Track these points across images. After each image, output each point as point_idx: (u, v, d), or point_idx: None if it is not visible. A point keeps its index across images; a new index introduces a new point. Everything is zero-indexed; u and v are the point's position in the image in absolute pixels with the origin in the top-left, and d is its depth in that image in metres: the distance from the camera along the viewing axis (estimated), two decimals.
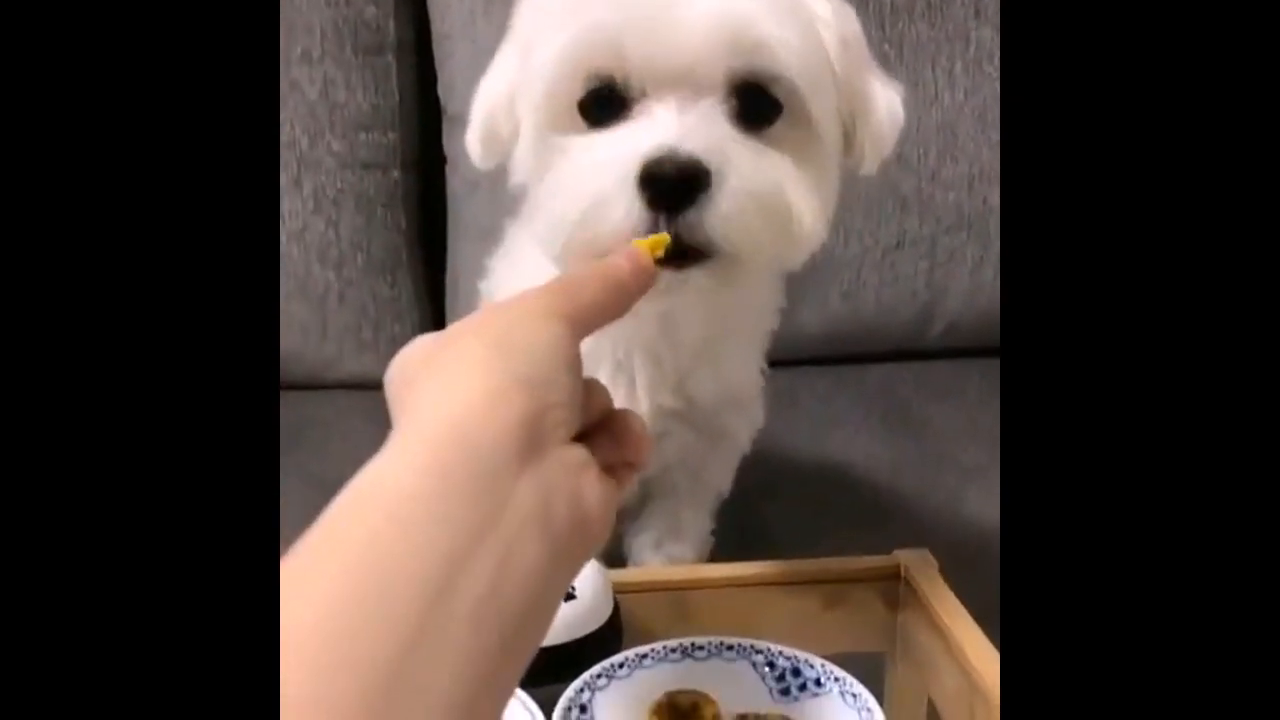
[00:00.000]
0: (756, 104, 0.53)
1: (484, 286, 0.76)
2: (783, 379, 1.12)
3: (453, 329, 0.37)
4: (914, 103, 1.16)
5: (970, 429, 1.04)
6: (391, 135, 1.17)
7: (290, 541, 0.34)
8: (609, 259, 0.43)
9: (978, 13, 1.17)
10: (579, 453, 0.36)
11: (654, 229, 0.49)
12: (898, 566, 0.65)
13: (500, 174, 1.14)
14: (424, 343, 0.37)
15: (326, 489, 0.91)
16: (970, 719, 0.55)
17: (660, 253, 0.47)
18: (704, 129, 0.50)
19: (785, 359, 1.16)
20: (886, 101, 0.58)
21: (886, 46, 1.15)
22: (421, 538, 0.31)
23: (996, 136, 1.14)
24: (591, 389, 0.39)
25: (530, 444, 0.34)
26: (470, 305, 1.16)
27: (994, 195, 1.16)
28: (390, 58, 1.17)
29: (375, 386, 1.18)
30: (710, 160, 0.49)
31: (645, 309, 0.60)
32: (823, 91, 0.54)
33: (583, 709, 0.51)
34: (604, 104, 0.53)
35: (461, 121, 1.17)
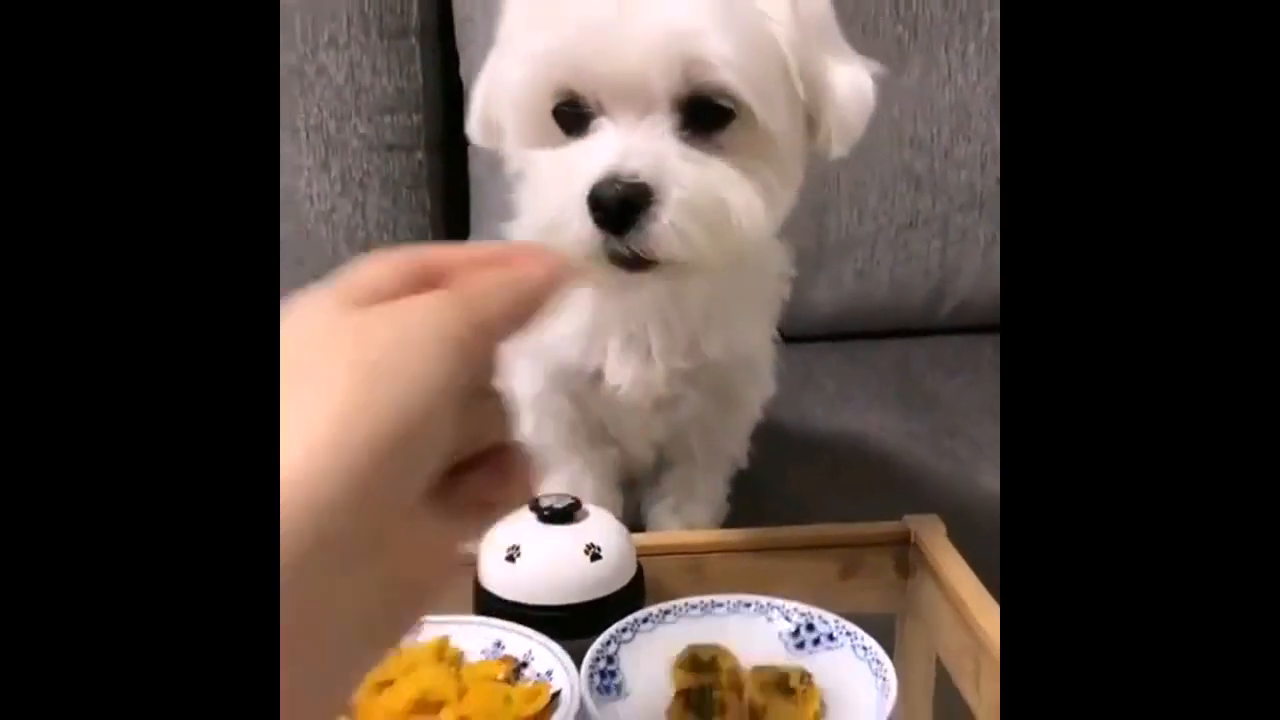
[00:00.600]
0: (706, 111, 0.55)
1: None
2: (798, 355, 1.15)
3: (349, 321, 0.32)
4: (927, 83, 1.19)
5: (982, 404, 1.06)
6: (416, 118, 1.20)
7: None
8: (522, 266, 0.39)
9: None
10: (427, 531, 0.33)
11: (605, 244, 0.54)
12: (908, 532, 0.67)
13: None
14: (322, 316, 0.32)
15: None
16: (976, 675, 0.58)
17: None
18: (648, 147, 0.54)
19: (800, 336, 1.19)
20: (850, 82, 0.59)
21: (900, 28, 1.17)
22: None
23: None
24: (488, 417, 0.36)
25: (367, 531, 0.30)
26: None
27: None
28: (414, 42, 1.20)
29: None
30: (651, 179, 0.53)
31: (610, 306, 0.65)
32: (770, 96, 0.56)
33: (609, 659, 0.54)
34: (571, 115, 0.57)
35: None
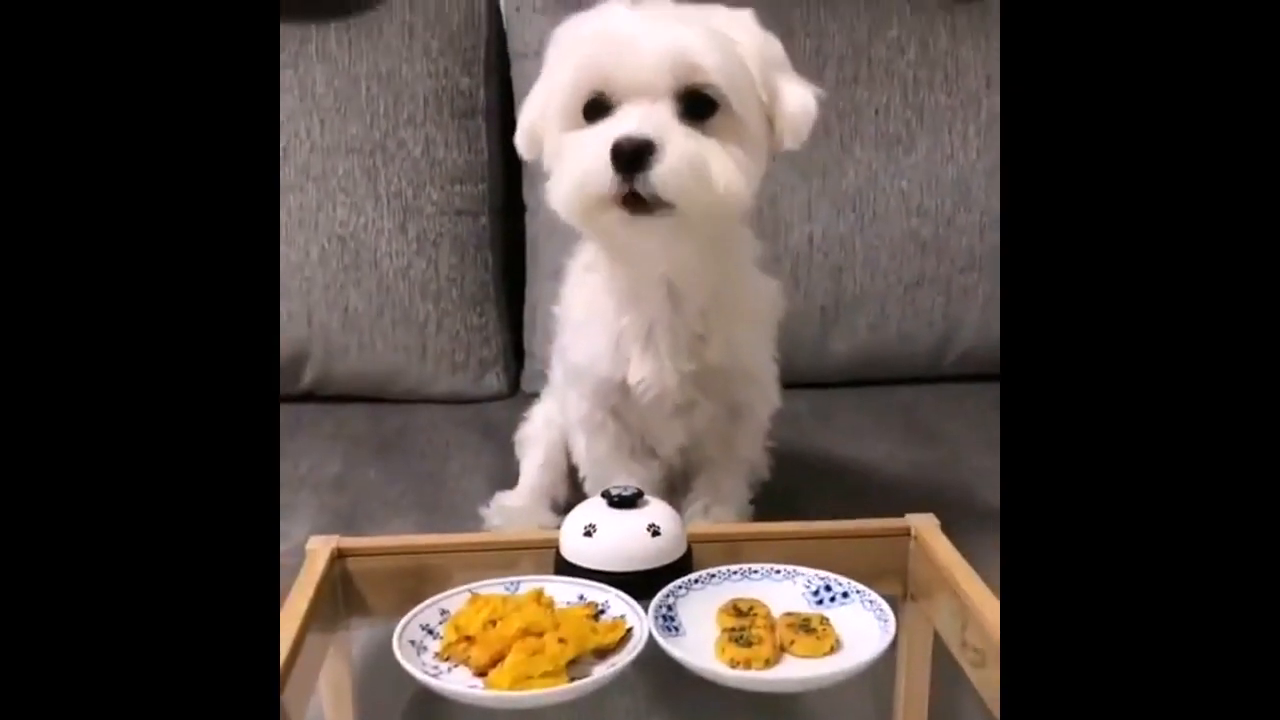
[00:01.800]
0: (698, 104, 0.75)
1: (556, 310, 0.95)
2: (817, 398, 1.30)
3: None
4: (933, 160, 1.34)
5: (980, 440, 1.20)
6: (481, 186, 1.37)
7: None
8: None
9: (989, 83, 1.35)
10: None
11: (620, 185, 0.73)
12: (908, 527, 0.81)
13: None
14: None
15: (424, 481, 1.14)
16: (962, 632, 0.72)
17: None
18: (655, 120, 0.73)
19: (819, 381, 1.34)
20: (799, 98, 0.79)
21: (909, 113, 1.33)
22: None
23: None
24: None
25: None
26: (547, 332, 1.34)
27: None
28: (480, 120, 1.37)
29: (466, 401, 1.40)
30: (656, 138, 0.73)
31: (617, 242, 0.82)
32: (743, 93, 0.76)
33: (669, 608, 0.68)
34: (597, 109, 0.76)
35: (540, 176, 1.37)
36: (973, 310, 1.34)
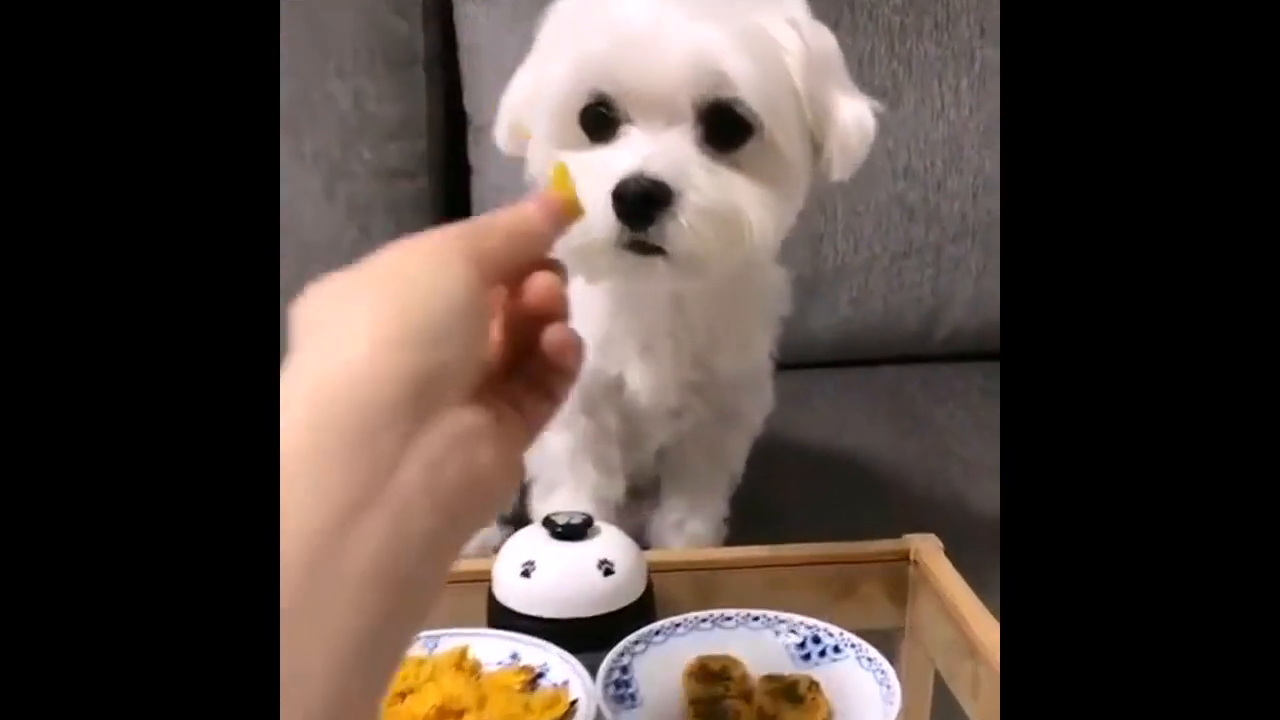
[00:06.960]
0: (727, 128, 0.60)
1: None
2: (796, 381, 1.19)
3: (362, 270, 0.36)
4: (921, 117, 1.22)
5: (973, 426, 1.10)
6: (420, 144, 1.24)
7: None
8: (520, 205, 0.42)
9: (983, 32, 1.23)
10: (471, 418, 0.36)
11: (625, 237, 0.59)
12: (908, 550, 0.70)
13: (522, 183, 1.20)
14: (336, 281, 0.36)
15: None
16: (973, 685, 0.61)
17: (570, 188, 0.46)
18: (670, 153, 0.59)
19: (798, 362, 1.22)
20: (854, 114, 0.64)
21: (895, 64, 1.21)
22: (300, 493, 0.30)
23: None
24: (518, 324, 0.41)
25: (417, 408, 0.33)
26: None
27: (997, 205, 1.21)
28: (419, 70, 1.24)
29: None
30: (672, 181, 0.58)
31: (621, 289, 0.69)
32: (783, 114, 0.61)
33: (624, 670, 0.56)
34: (598, 120, 0.61)
35: (487, 131, 1.23)
36: (964, 283, 1.24)
